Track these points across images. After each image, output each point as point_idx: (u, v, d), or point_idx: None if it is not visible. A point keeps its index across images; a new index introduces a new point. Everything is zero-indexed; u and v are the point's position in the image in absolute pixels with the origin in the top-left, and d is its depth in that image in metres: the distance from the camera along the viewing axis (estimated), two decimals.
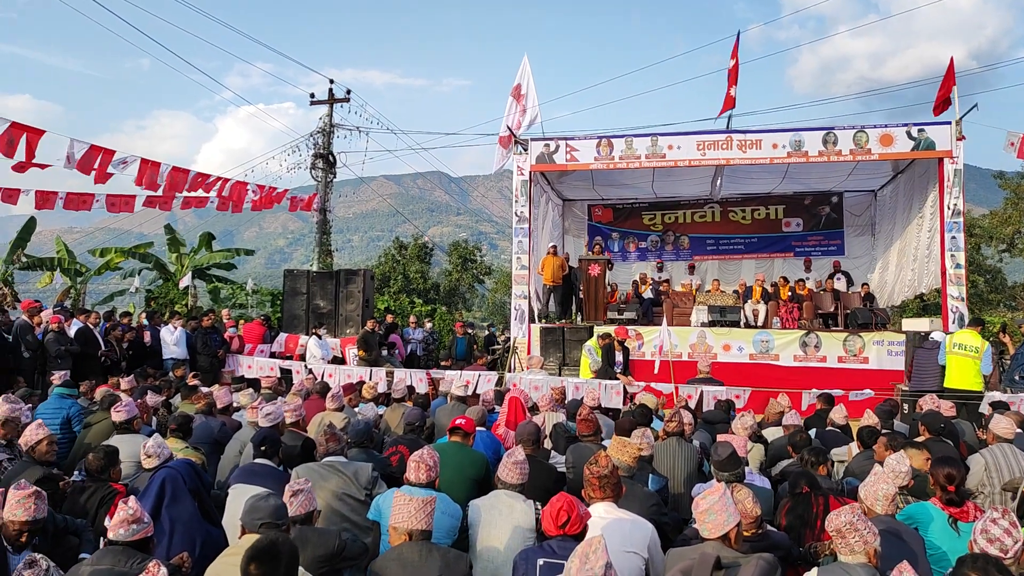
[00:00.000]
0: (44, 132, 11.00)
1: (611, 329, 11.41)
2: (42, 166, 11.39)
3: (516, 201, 13.50)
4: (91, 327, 10.87)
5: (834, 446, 6.29)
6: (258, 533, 3.27)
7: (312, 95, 21.25)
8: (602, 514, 3.67)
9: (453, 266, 35.16)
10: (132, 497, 3.34)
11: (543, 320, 13.54)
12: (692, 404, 9.02)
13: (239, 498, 3.96)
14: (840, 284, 15.20)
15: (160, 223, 23.57)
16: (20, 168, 11.09)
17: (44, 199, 12.73)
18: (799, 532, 4.17)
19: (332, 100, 21.20)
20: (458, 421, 5.26)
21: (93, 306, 19.07)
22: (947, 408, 6.97)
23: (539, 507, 3.86)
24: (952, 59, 12.67)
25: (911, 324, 12.47)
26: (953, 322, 11.49)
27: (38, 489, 3.65)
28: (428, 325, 17.28)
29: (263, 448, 4.82)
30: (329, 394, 6.94)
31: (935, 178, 12.34)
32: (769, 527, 4.02)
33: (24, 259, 19.25)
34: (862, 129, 12.31)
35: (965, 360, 9.15)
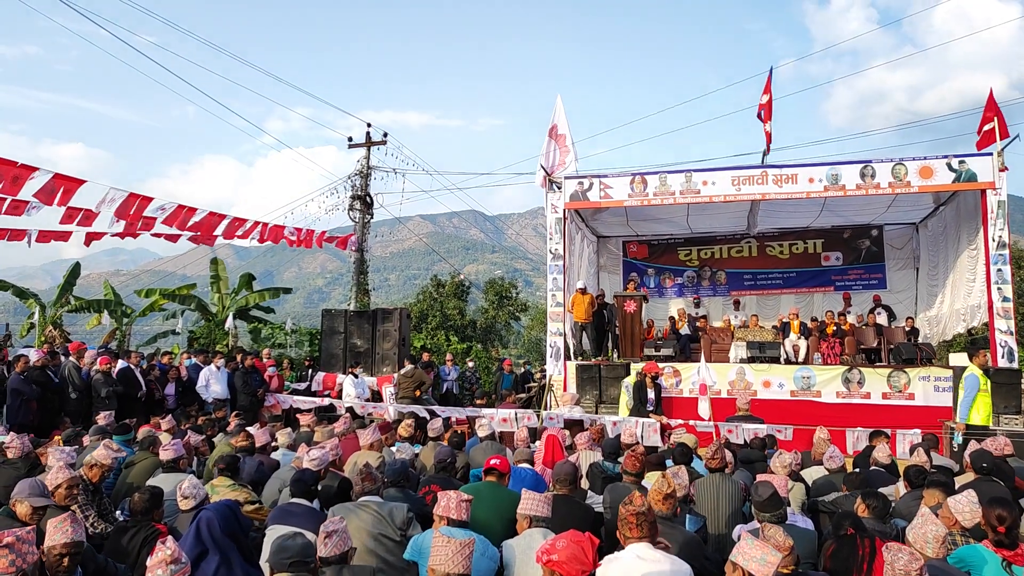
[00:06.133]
0: (84, 181, 11.43)
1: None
2: (89, 217, 11.84)
3: (550, 239, 13.54)
4: (132, 368, 11.12)
5: (879, 486, 6.10)
6: (287, 572, 3.29)
7: (350, 138, 21.70)
8: (641, 555, 3.59)
9: (489, 303, 35.25)
10: (170, 538, 3.38)
11: (579, 357, 13.47)
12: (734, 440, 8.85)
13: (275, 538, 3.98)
14: (881, 319, 14.88)
15: (203, 266, 24.16)
16: (68, 219, 11.56)
17: (92, 237, 13.15)
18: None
19: (369, 143, 21.62)
20: (493, 461, 5.23)
21: (138, 347, 19.56)
22: (1003, 446, 6.72)
23: None
24: (991, 90, 12.50)
25: (958, 359, 12.13)
26: (1002, 357, 11.17)
27: (72, 514, 3.75)
28: (471, 364, 17.31)
29: (297, 489, 4.85)
30: (363, 433, 6.95)
31: (980, 210, 12.11)
32: (812, 571, 3.91)
33: (72, 301, 19.87)
34: (900, 162, 12.15)
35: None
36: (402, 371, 12.91)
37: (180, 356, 14.40)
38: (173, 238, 14.32)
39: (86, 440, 7.39)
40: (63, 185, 10.91)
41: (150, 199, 12.59)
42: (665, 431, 9.87)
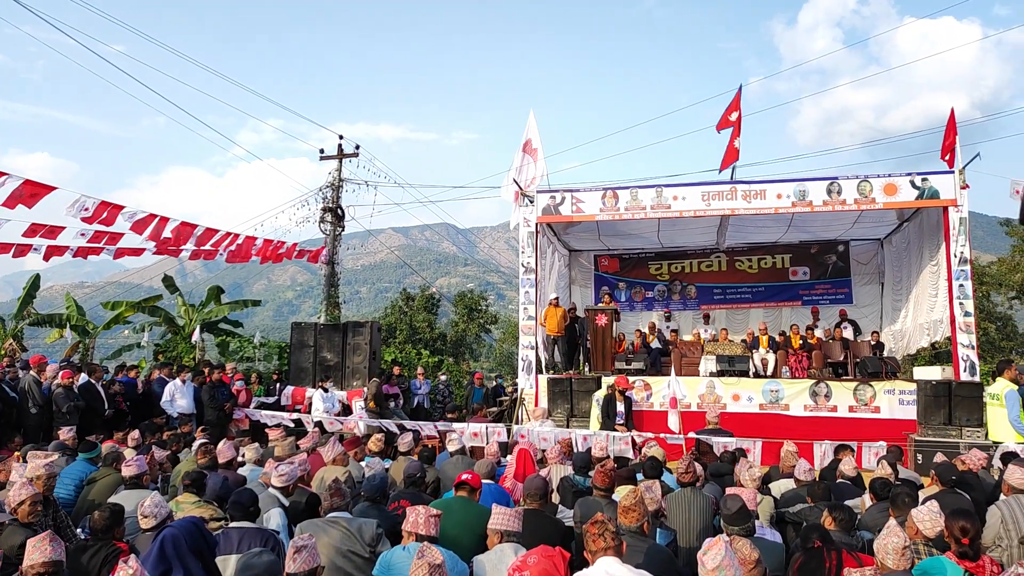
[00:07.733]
0: (55, 188, 11.19)
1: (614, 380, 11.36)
2: (56, 230, 11.60)
3: (523, 252, 13.56)
4: (94, 383, 10.88)
5: (845, 498, 6.17)
6: None
7: (322, 150, 21.53)
8: (610, 571, 3.57)
9: (459, 316, 35.16)
10: (132, 556, 3.30)
11: (550, 371, 13.47)
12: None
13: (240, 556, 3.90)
14: (847, 333, 15.12)
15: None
16: (31, 233, 11.33)
17: (53, 251, 12.83)
18: None
19: (341, 155, 21.47)
20: (464, 476, 5.20)
21: (102, 361, 19.14)
22: (979, 459, 6.84)
23: None
24: (952, 110, 12.83)
25: (922, 373, 12.35)
26: (964, 370, 11.38)
27: (51, 532, 3.67)
28: (443, 377, 17.24)
29: (236, 512, 4.63)
30: (328, 447, 6.87)
31: (942, 226, 12.36)
32: None
33: (33, 314, 19.40)
34: (866, 179, 12.39)
35: (993, 409, 9.07)
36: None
37: (151, 370, 14.08)
38: (137, 252, 14.03)
39: None
40: (31, 191, 10.66)
41: (121, 207, 12.34)
42: (636, 444, 9.90)
